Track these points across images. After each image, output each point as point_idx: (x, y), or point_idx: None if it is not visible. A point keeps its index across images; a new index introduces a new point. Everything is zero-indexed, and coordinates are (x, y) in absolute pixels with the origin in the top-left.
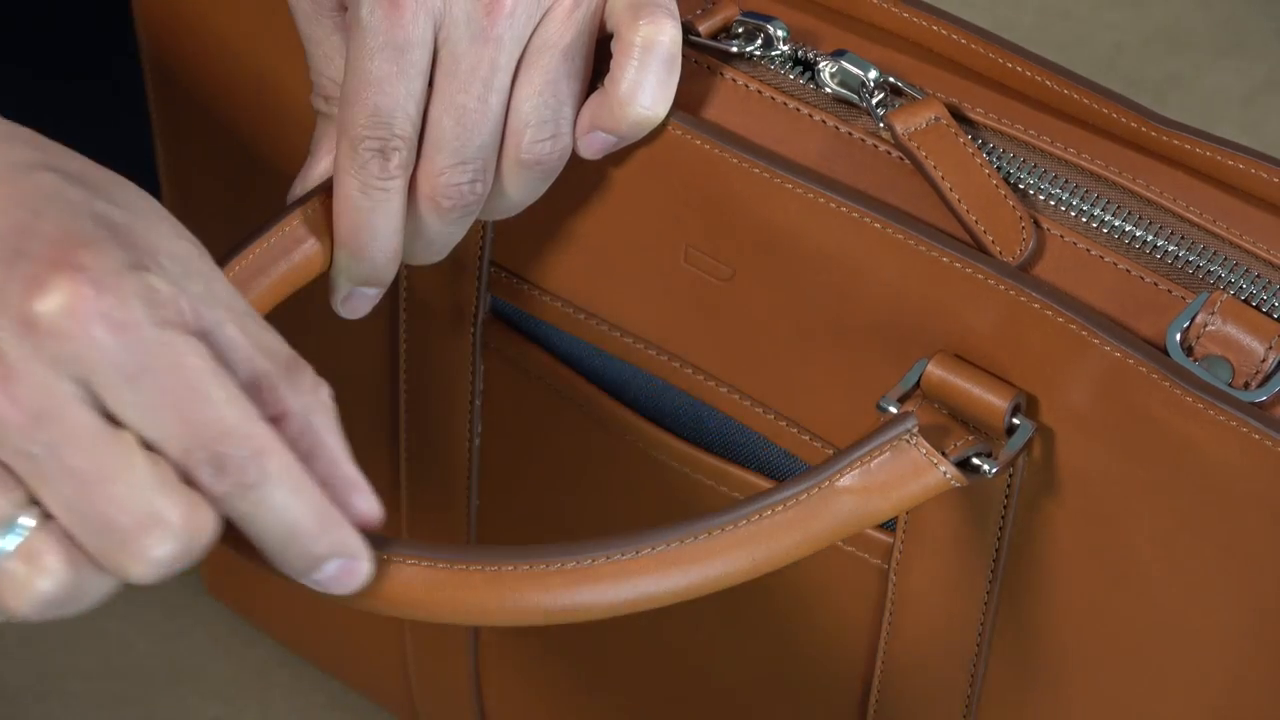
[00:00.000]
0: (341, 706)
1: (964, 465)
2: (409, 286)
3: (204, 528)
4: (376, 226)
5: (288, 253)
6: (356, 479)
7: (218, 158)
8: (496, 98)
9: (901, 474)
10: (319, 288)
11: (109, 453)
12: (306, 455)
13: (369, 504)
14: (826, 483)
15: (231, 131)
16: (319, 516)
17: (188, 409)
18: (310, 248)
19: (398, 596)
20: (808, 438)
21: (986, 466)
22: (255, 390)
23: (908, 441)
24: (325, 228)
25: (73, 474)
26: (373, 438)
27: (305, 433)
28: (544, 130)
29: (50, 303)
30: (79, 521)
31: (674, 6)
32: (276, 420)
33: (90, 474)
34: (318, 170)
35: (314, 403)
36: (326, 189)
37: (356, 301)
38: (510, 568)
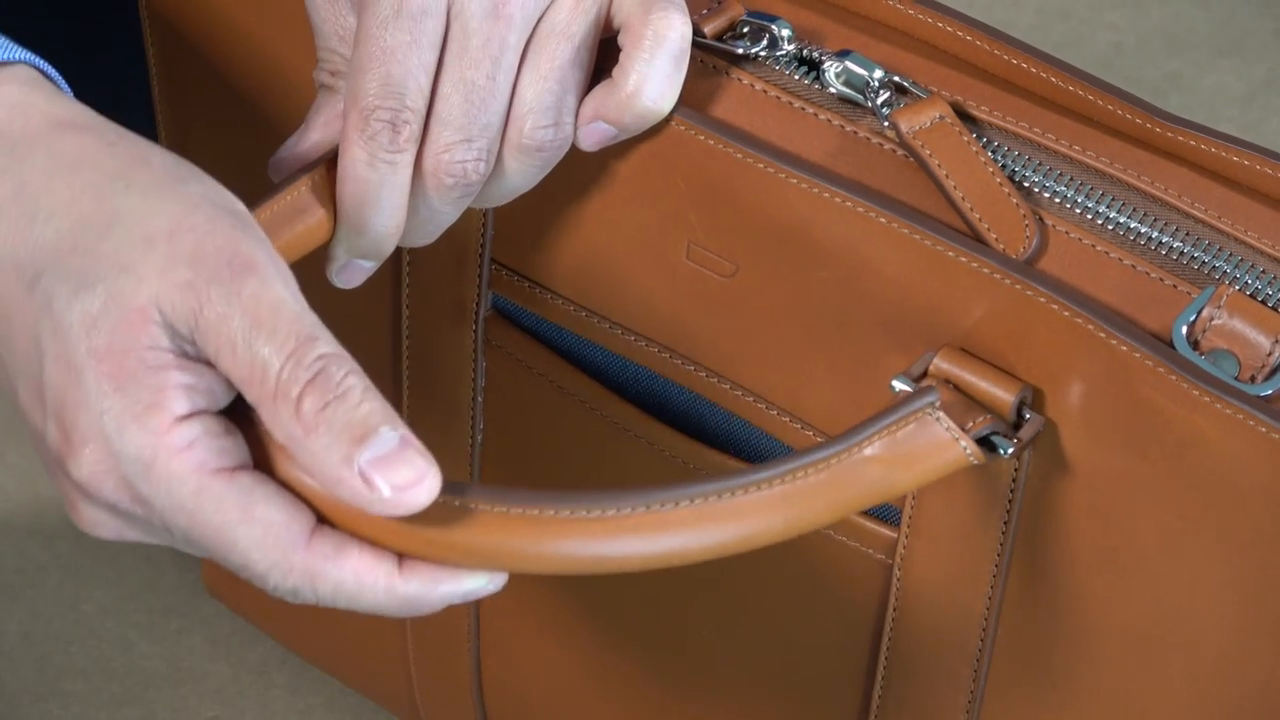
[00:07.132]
0: (341, 707)
1: (981, 443)
2: (411, 283)
3: None
4: (381, 199)
5: (290, 220)
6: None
7: (220, 127)
8: (504, 77)
9: (925, 447)
10: (318, 282)
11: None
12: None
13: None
14: (856, 448)
15: (235, 102)
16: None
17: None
18: (313, 216)
19: (435, 538)
20: (811, 433)
21: (1003, 446)
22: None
23: (930, 415)
24: (330, 198)
25: None
26: None
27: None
28: (546, 117)
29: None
30: None
31: (683, 2)
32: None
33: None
34: (309, 139)
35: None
36: (332, 159)
37: (352, 273)
38: (552, 512)
